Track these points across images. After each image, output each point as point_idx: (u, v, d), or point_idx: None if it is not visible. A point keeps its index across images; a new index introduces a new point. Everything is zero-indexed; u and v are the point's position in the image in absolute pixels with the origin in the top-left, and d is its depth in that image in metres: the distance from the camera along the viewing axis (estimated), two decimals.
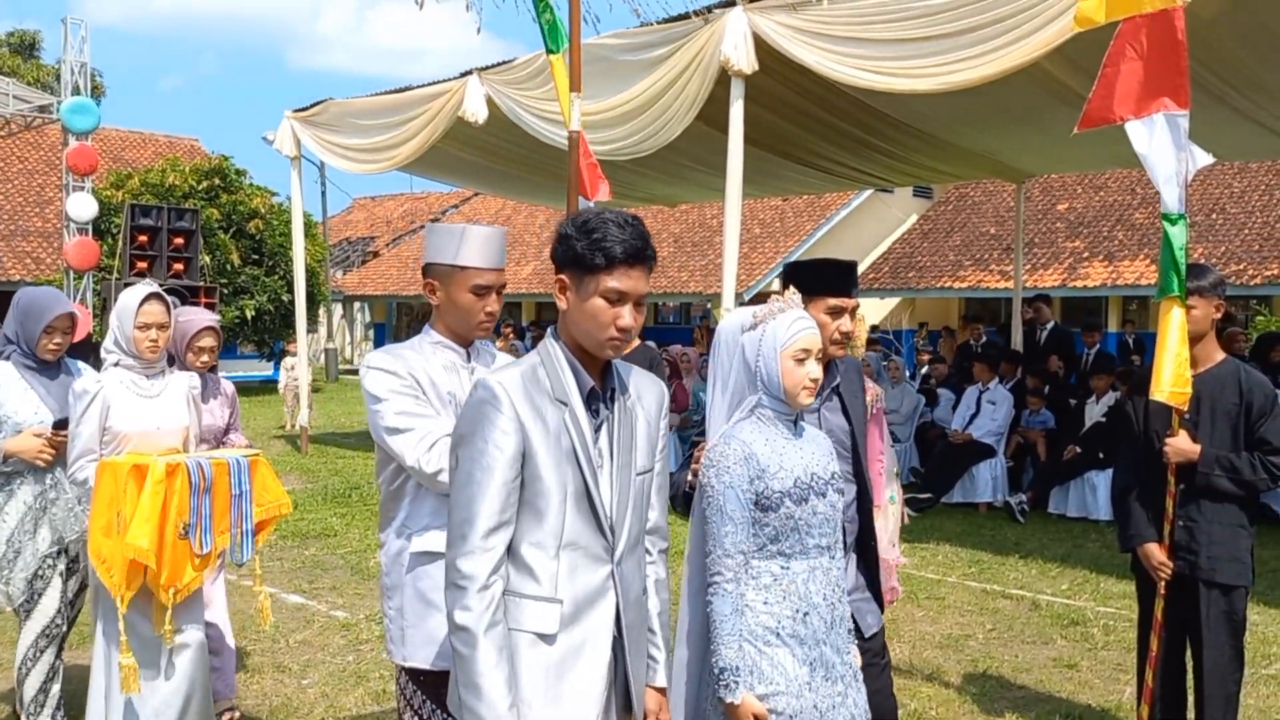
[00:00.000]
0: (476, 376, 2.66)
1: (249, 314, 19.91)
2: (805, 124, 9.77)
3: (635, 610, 2.30)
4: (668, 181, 12.58)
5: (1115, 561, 7.11)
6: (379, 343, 31.03)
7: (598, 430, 2.22)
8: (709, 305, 22.56)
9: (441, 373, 2.70)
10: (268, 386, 20.72)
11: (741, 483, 2.43)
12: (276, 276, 20.52)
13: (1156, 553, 3.70)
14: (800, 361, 2.50)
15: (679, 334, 21.16)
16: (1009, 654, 5.43)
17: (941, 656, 5.34)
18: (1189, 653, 3.81)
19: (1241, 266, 17.38)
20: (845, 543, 2.92)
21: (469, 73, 9.74)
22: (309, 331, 20.16)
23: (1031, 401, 9.99)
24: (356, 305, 31.56)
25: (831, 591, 2.52)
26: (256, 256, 20.75)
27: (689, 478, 2.72)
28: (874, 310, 22.09)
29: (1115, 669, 5.21)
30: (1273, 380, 3.93)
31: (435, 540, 2.61)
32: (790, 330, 2.52)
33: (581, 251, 2.14)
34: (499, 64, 9.49)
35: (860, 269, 22.60)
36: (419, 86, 10.54)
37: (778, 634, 2.44)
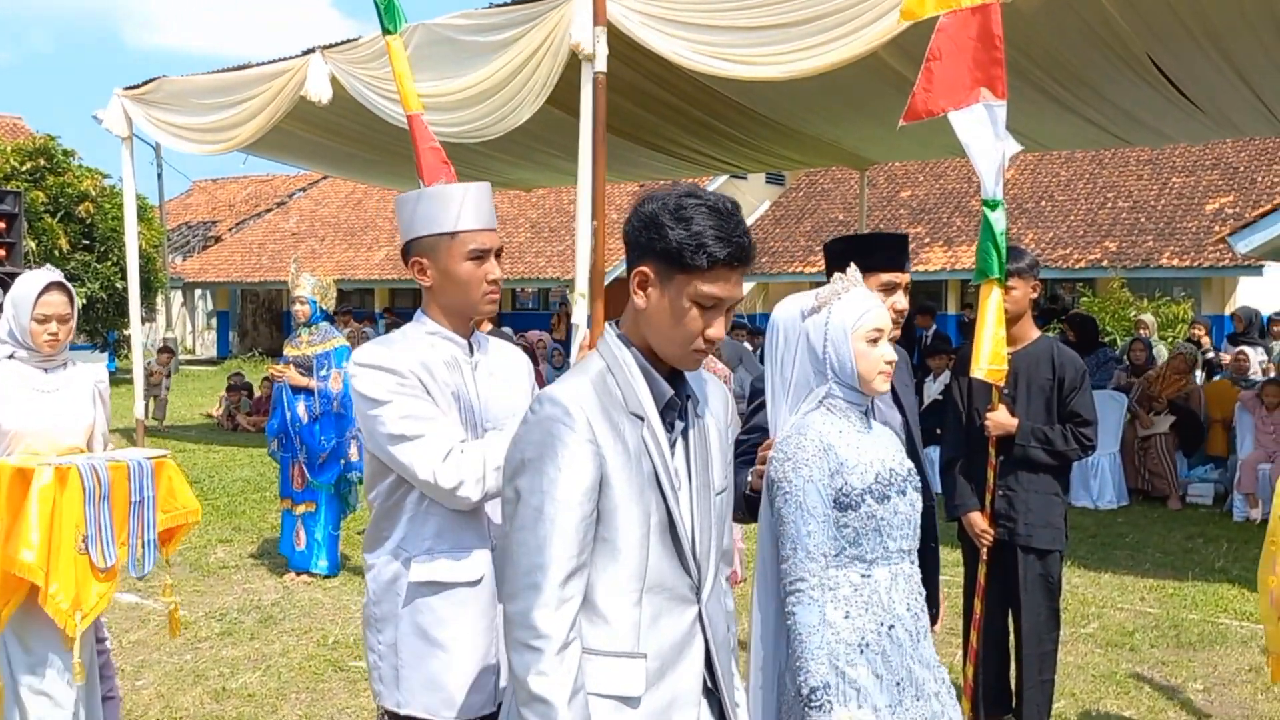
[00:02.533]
0: (480, 372, 2.39)
1: (80, 302, 18.85)
2: (657, 110, 9.85)
3: (725, 654, 1.97)
4: (521, 166, 12.49)
5: (952, 532, 7.45)
6: (222, 332, 29.83)
7: (672, 446, 1.89)
8: (566, 291, 22.55)
9: (444, 369, 2.33)
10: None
11: (822, 476, 2.18)
12: (109, 263, 19.49)
13: (979, 521, 3.91)
14: (873, 343, 2.29)
15: (537, 320, 21.06)
16: None
17: None
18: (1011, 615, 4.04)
19: (1067, 251, 18.40)
20: None
21: (311, 51, 9.44)
22: (146, 320, 19.23)
23: None
24: (198, 293, 30.24)
25: (915, 600, 2.29)
26: (87, 242, 19.65)
27: (750, 479, 2.47)
28: None
29: (948, 633, 5.45)
30: (1082, 357, 4.19)
31: (441, 569, 2.29)
32: (859, 310, 2.30)
33: (678, 245, 1.77)
34: (342, 42, 9.23)
35: None
36: (259, 65, 10.17)
37: (862, 651, 2.16)
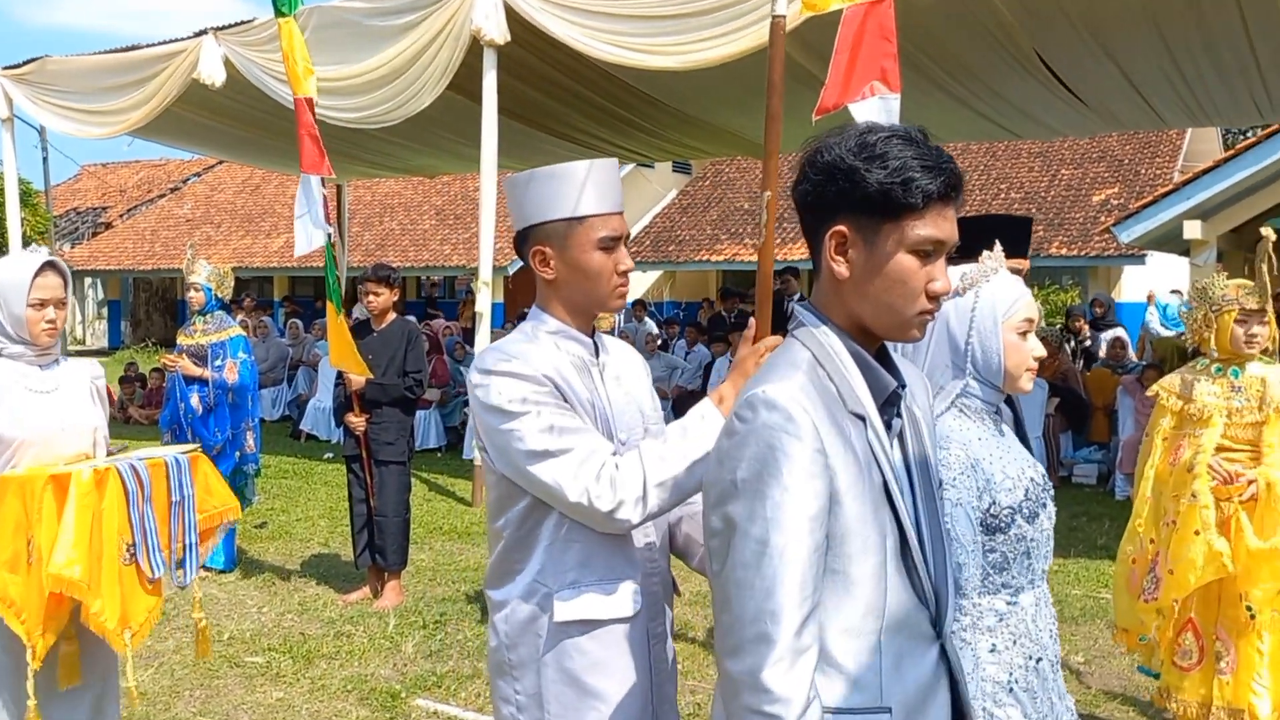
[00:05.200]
0: (608, 375, 2.12)
1: None
2: (561, 97, 9.82)
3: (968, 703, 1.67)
4: (425, 152, 12.34)
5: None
6: (113, 321, 28.79)
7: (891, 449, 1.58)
8: (471, 279, 22.34)
9: (574, 374, 2.03)
10: None
11: (970, 498, 1.89)
12: None
13: None
14: (1024, 335, 2.02)
15: (443, 309, 20.83)
16: None
17: (690, 613, 5.58)
18: None
19: None
20: None
21: (204, 32, 9.18)
22: None
23: None
24: (88, 281, 29.13)
25: (1053, 624, 2.04)
26: None
27: None
28: (636, 283, 22.56)
29: None
30: None
31: (591, 605, 2.00)
32: (1011, 295, 2.02)
33: (882, 186, 1.46)
34: (236, 24, 9.01)
35: None
36: (148, 46, 9.86)
37: (1010, 689, 1.91)
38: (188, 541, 3.03)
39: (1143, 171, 19.32)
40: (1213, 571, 3.35)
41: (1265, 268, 3.40)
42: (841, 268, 1.52)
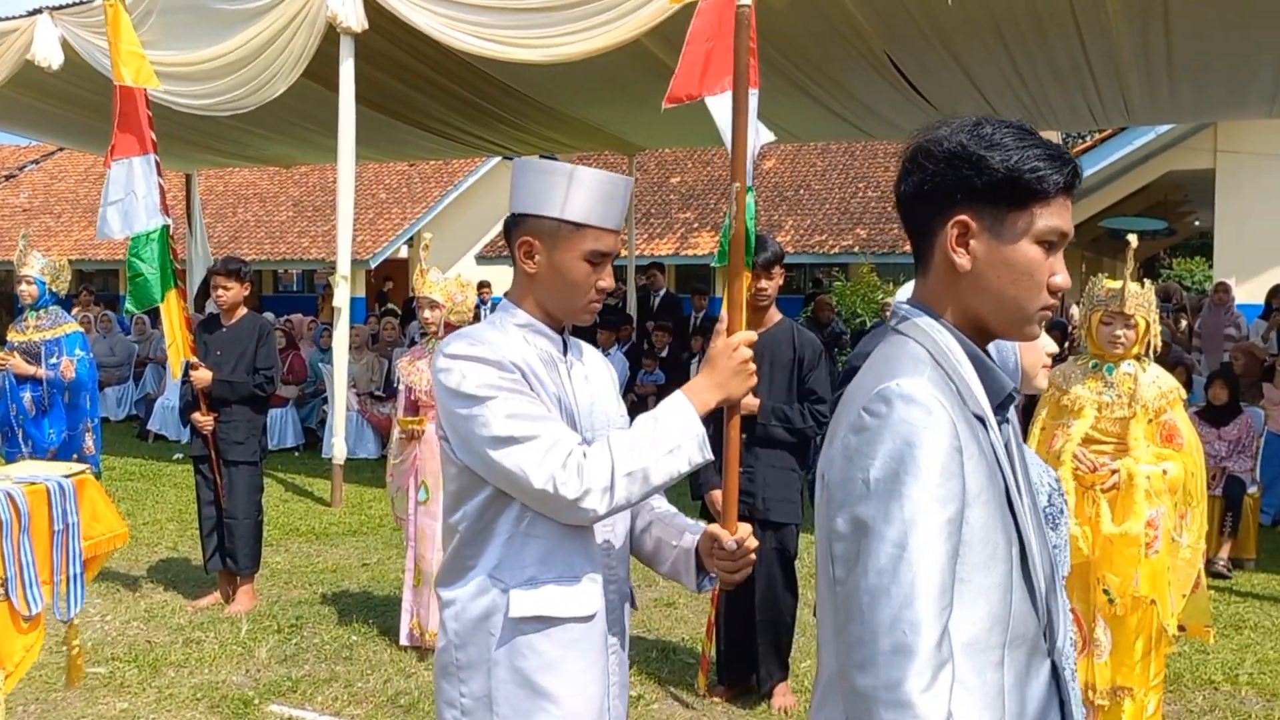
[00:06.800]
0: (576, 373, 2.09)
1: None
2: (422, 88, 9.68)
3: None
4: (280, 141, 11.97)
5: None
6: None
7: None
8: (330, 274, 21.77)
9: (541, 367, 2.01)
10: None
11: None
12: None
13: (719, 498, 4.09)
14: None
15: (303, 303, 20.25)
16: None
17: None
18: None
19: (824, 237, 19.45)
20: None
21: (39, 11, 8.69)
22: None
23: (646, 363, 10.73)
24: None
25: (1075, 635, 1.99)
26: None
27: None
28: (504, 277, 22.38)
29: (707, 603, 5.70)
30: (821, 338, 4.46)
31: (549, 600, 1.93)
32: None
33: (1011, 172, 1.42)
34: (74, 4, 8.55)
35: (489, 238, 22.83)
36: None
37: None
38: (71, 573, 2.88)
39: None
40: (1073, 554, 3.51)
41: (1128, 274, 3.55)
42: (963, 259, 1.46)
